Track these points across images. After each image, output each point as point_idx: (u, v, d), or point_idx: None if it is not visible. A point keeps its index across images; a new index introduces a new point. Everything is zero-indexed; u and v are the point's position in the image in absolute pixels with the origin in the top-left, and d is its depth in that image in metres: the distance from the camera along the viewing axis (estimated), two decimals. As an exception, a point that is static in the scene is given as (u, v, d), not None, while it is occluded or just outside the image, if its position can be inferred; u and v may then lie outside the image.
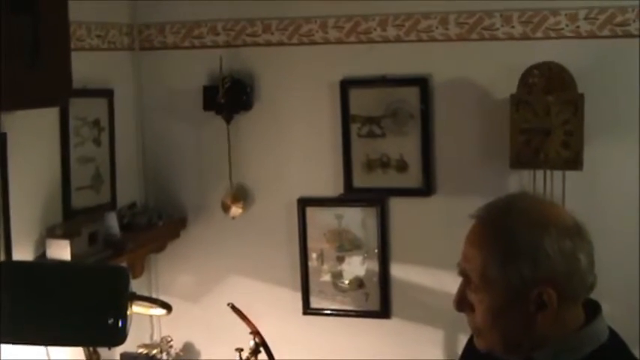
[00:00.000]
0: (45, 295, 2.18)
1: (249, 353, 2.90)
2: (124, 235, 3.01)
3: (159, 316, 3.20)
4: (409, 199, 3.17)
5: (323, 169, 3.25)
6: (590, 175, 2.87)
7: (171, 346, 3.34)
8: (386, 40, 3.12)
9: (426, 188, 3.13)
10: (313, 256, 3.29)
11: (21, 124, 2.58)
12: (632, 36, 2.88)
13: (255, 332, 2.89)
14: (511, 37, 2.99)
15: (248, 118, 3.27)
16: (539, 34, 2.96)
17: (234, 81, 3.21)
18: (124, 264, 2.96)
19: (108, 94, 3.13)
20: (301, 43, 3.20)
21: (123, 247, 2.97)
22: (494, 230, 1.53)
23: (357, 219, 3.23)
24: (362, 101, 3.15)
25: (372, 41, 3.13)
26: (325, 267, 3.29)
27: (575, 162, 2.80)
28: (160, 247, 3.37)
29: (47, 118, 2.81)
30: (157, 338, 3.41)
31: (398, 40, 3.10)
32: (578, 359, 1.51)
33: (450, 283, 1.68)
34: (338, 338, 3.30)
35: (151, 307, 2.45)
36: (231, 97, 3.21)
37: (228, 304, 2.92)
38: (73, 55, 2.50)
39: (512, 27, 2.98)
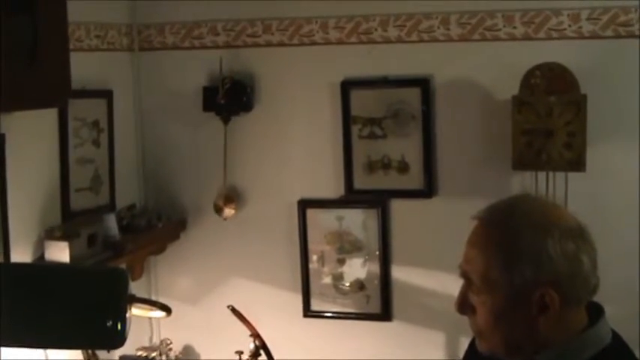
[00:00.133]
0: (43, 297, 2.16)
1: (250, 356, 2.90)
2: (123, 236, 3.00)
3: (158, 319, 3.20)
4: (410, 200, 3.16)
5: (324, 171, 3.24)
6: (593, 176, 2.85)
7: (170, 349, 3.33)
8: (387, 41, 3.10)
9: (428, 190, 3.12)
10: (314, 258, 3.27)
11: (20, 125, 2.57)
12: (635, 36, 2.86)
13: (256, 335, 2.88)
14: (513, 38, 2.97)
15: (248, 118, 3.26)
16: (541, 35, 2.95)
17: (234, 82, 3.20)
18: (123, 266, 2.96)
19: (107, 94, 3.12)
20: (302, 44, 3.19)
21: (122, 248, 2.96)
22: (496, 232, 1.52)
23: (357, 221, 3.22)
24: (363, 102, 3.14)
25: (373, 42, 3.12)
26: (326, 269, 3.28)
27: (577, 163, 2.78)
28: (160, 249, 3.36)
29: (46, 119, 2.80)
30: (156, 341, 3.40)
31: (399, 40, 3.09)
32: (581, 362, 1.50)
33: (451, 285, 1.67)
34: (339, 341, 3.29)
35: (151, 309, 2.45)
36: (231, 97, 3.20)
37: (229, 307, 2.91)
38: (72, 55, 2.50)
39: (515, 27, 2.97)
